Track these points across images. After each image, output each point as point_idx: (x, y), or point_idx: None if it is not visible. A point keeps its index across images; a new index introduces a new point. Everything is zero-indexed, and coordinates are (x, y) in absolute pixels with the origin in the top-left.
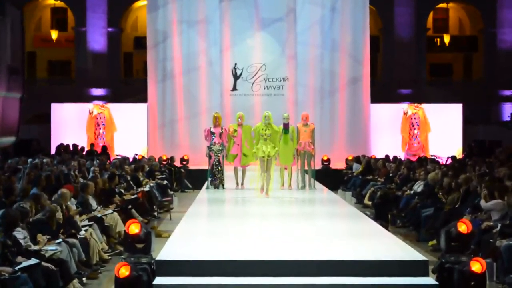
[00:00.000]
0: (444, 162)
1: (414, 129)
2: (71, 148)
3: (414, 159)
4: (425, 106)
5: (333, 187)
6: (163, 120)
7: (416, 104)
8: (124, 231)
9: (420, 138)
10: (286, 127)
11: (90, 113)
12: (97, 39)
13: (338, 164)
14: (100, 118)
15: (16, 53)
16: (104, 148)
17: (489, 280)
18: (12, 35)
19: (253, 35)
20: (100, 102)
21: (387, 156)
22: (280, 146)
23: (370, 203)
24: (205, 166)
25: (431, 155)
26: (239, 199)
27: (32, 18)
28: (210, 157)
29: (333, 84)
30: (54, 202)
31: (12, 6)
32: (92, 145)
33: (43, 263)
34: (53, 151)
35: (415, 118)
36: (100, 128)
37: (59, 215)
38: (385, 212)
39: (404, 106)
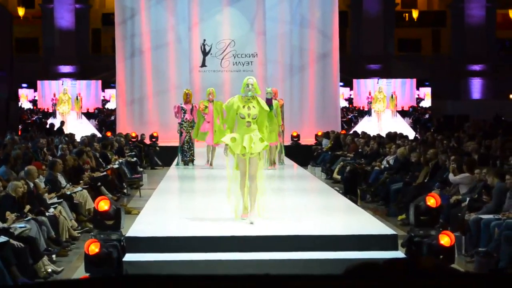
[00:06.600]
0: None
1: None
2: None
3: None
4: (393, 81)
5: (302, 163)
6: (132, 97)
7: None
8: (94, 208)
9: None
10: (269, 103)
11: (59, 97)
12: (64, 15)
13: (307, 140)
14: (68, 99)
15: (2, 53)
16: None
17: (457, 253)
18: None
19: (222, 11)
20: (69, 80)
21: (355, 132)
22: None
23: (339, 177)
24: (174, 143)
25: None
26: (210, 175)
27: None
28: (181, 133)
29: (302, 60)
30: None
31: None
32: (62, 122)
33: (11, 241)
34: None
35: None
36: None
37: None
38: (354, 187)
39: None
